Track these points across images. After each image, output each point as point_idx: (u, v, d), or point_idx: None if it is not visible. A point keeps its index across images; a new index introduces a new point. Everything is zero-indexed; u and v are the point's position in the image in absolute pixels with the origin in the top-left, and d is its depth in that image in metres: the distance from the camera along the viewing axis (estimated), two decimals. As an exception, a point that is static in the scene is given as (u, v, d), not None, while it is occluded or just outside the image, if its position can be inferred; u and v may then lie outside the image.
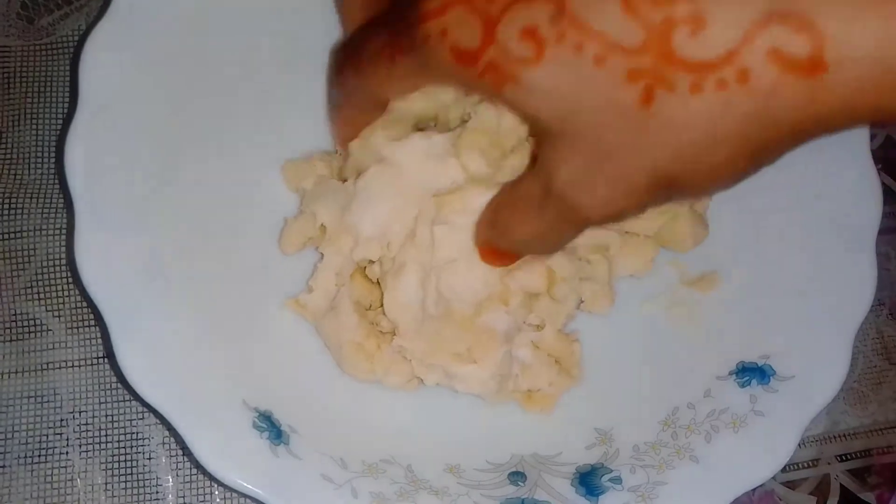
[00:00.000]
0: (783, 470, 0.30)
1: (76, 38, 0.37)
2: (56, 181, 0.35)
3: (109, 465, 0.32)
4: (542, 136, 0.23)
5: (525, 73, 0.21)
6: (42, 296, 0.34)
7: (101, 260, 0.27)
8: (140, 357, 0.26)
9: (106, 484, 0.32)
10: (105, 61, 0.28)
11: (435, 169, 0.28)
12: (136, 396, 0.26)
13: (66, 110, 0.36)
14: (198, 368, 0.27)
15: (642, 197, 0.22)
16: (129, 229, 0.28)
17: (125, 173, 0.28)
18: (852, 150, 0.33)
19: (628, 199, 0.22)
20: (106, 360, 0.33)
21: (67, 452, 0.32)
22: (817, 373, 0.30)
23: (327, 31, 0.32)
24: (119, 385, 0.33)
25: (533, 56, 0.21)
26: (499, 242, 0.27)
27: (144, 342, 0.27)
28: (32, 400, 0.33)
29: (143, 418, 0.33)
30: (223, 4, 0.31)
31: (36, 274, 0.34)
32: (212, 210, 0.30)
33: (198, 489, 0.32)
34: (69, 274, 0.34)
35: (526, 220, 0.25)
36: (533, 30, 0.21)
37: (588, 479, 0.30)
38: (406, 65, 0.24)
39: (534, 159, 0.25)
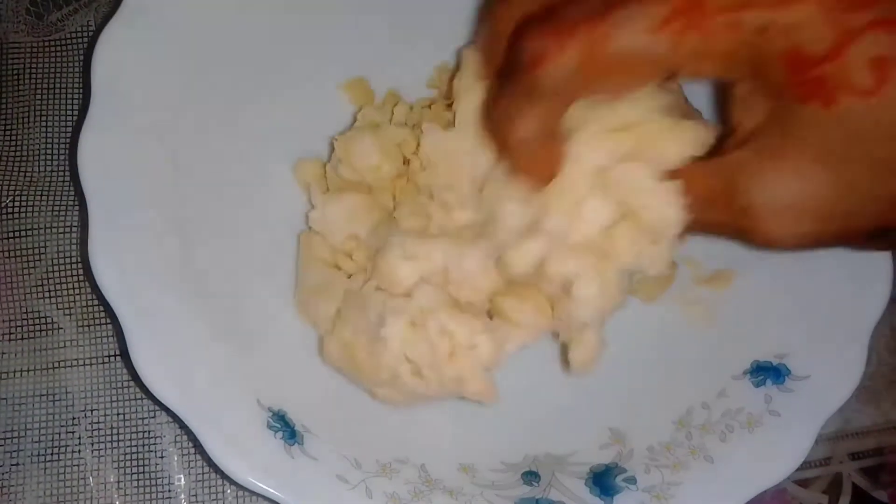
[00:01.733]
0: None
1: (85, 33, 0.36)
2: (66, 178, 0.35)
3: (121, 464, 0.32)
4: (770, 148, 0.22)
5: (850, 101, 0.20)
6: (53, 293, 0.34)
7: (114, 259, 0.27)
8: (154, 356, 0.26)
9: (118, 482, 0.32)
10: (117, 59, 0.28)
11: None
12: (150, 395, 0.26)
13: (75, 106, 0.36)
14: (212, 368, 0.27)
15: (849, 241, 0.22)
16: (142, 228, 0.28)
17: (138, 172, 0.28)
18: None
19: (828, 240, 0.22)
20: (117, 357, 0.33)
21: (79, 451, 0.32)
22: (833, 373, 0.30)
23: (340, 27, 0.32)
24: (130, 383, 0.33)
25: (870, 88, 0.20)
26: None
27: (158, 341, 0.27)
28: (44, 398, 0.33)
29: (154, 416, 0.33)
30: (233, 12, 0.31)
31: (47, 271, 0.34)
32: (225, 208, 0.30)
33: (210, 487, 0.32)
34: (80, 271, 0.34)
35: (691, 204, 0.24)
36: (883, 61, 0.19)
37: (602, 479, 0.30)
38: (697, 41, 0.21)
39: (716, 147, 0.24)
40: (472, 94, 0.29)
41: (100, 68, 0.28)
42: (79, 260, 0.34)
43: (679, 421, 0.31)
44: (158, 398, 0.26)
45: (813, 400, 0.30)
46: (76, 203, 0.34)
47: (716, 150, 0.24)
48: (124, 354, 0.27)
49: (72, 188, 0.35)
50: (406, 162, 0.32)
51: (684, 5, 0.21)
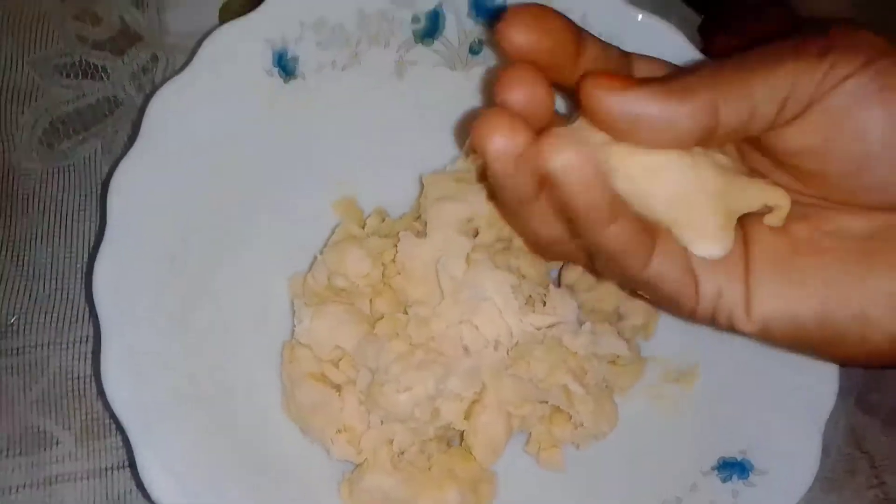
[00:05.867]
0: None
1: (93, 161, 0.39)
2: (69, 297, 0.37)
3: (116, 577, 0.33)
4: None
5: None
6: (53, 408, 0.35)
7: (124, 375, 0.28)
8: (161, 471, 0.28)
9: None
10: (131, 188, 0.31)
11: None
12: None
13: (79, 229, 0.38)
14: (214, 479, 0.29)
15: None
16: (150, 347, 0.29)
17: (148, 295, 0.30)
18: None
19: None
20: (115, 471, 0.34)
21: (75, 564, 0.33)
22: (791, 467, 0.32)
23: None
24: (127, 496, 0.34)
25: None
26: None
27: (165, 457, 0.28)
28: (41, 513, 0.33)
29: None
30: (237, 141, 0.34)
31: (48, 386, 0.35)
32: (228, 324, 0.33)
33: None
34: (81, 386, 0.35)
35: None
36: None
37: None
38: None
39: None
40: (436, 210, 0.34)
41: (114, 200, 0.30)
42: (79, 375, 0.35)
43: (655, 515, 0.33)
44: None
45: (776, 493, 0.32)
46: (78, 320, 0.36)
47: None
48: (133, 466, 0.29)
49: (73, 307, 0.37)
50: (384, 269, 0.35)
51: None
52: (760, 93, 0.22)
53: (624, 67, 0.25)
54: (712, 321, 0.25)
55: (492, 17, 0.36)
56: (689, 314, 0.25)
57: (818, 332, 0.24)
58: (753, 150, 0.25)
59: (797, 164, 0.24)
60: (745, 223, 0.25)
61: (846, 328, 0.24)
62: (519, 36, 0.22)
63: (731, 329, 0.25)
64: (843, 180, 0.23)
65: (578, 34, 0.23)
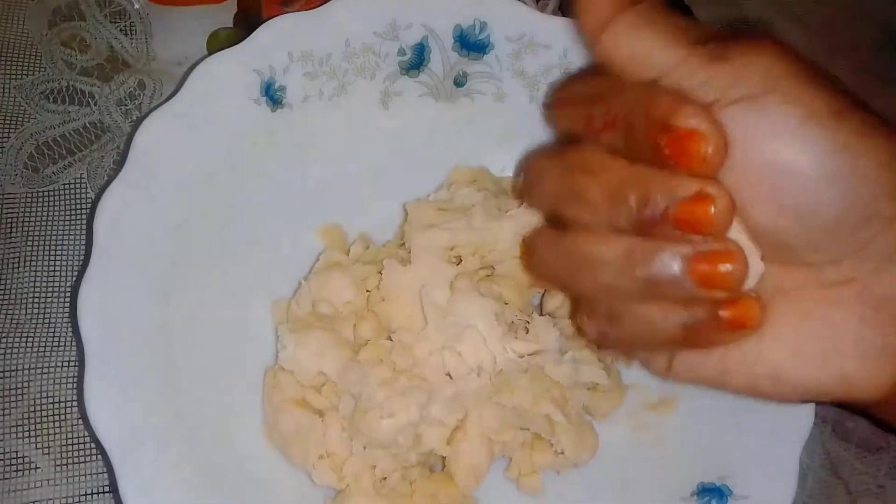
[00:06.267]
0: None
1: (77, 185, 0.39)
2: (50, 322, 0.37)
3: None
4: None
5: None
6: (32, 433, 0.35)
7: (108, 402, 0.28)
8: (139, 492, 0.28)
9: None
10: (116, 214, 0.31)
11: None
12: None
13: (61, 254, 0.38)
14: (193, 501, 0.29)
15: None
16: (134, 372, 0.30)
17: (132, 321, 0.30)
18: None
19: None
20: (93, 497, 0.34)
21: (50, 593, 0.32)
22: (769, 491, 0.33)
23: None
24: (105, 523, 0.33)
25: None
26: None
27: (146, 482, 0.28)
28: (16, 541, 0.33)
29: (127, 556, 0.33)
30: (223, 168, 0.34)
31: (27, 411, 0.35)
32: (210, 349, 0.33)
33: None
34: (60, 411, 0.35)
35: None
36: None
37: None
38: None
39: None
40: (420, 238, 0.34)
41: (101, 222, 0.30)
42: (60, 400, 0.35)
43: (636, 541, 0.33)
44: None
45: (755, 518, 0.32)
46: (59, 345, 0.36)
47: None
48: (114, 491, 0.28)
49: (55, 331, 0.36)
50: (368, 296, 0.35)
51: None
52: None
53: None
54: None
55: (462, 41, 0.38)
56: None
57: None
58: None
59: None
60: None
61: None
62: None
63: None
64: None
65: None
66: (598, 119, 0.24)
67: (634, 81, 0.23)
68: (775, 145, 0.21)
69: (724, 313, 0.23)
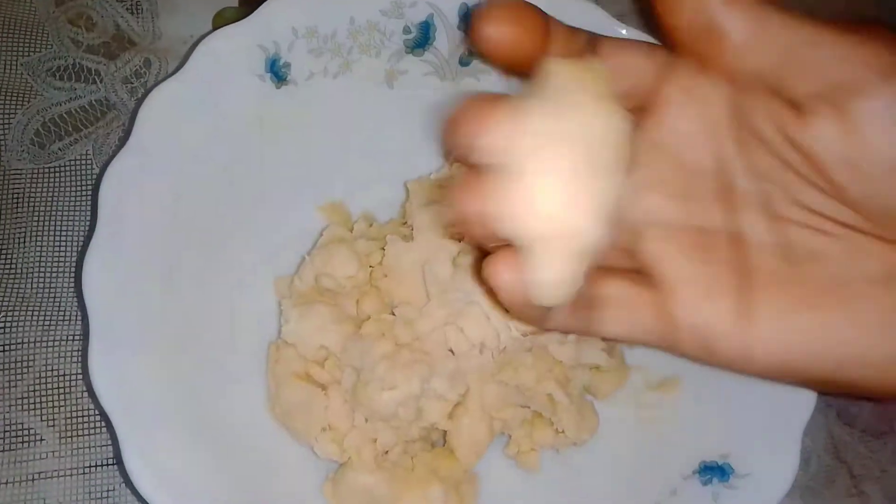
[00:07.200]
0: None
1: (82, 161, 0.40)
2: (55, 296, 0.37)
3: (96, 575, 0.33)
4: None
5: None
6: (37, 405, 0.35)
7: (110, 368, 0.29)
8: (145, 463, 0.28)
9: None
10: (120, 188, 0.31)
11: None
12: (140, 498, 0.28)
13: (66, 229, 0.38)
14: (199, 475, 0.29)
15: None
16: (139, 344, 0.30)
17: (136, 293, 0.30)
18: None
19: None
20: (97, 468, 0.34)
21: (54, 563, 0.33)
22: (771, 469, 0.33)
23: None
24: (109, 494, 0.34)
25: None
26: None
27: (151, 452, 0.28)
28: (22, 510, 0.33)
29: (132, 528, 0.33)
30: (226, 144, 0.34)
31: (33, 384, 0.35)
32: (211, 321, 0.33)
33: None
34: (65, 384, 0.35)
35: None
36: None
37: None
38: None
39: None
40: (422, 215, 0.35)
41: (104, 199, 0.30)
42: (64, 373, 0.35)
43: (636, 519, 0.33)
44: (147, 500, 0.27)
45: (756, 495, 0.32)
46: (64, 319, 0.36)
47: None
48: (119, 461, 0.29)
49: (60, 306, 0.37)
50: (371, 272, 0.35)
51: None
52: None
53: (591, 52, 0.24)
54: None
55: (467, 19, 0.37)
56: None
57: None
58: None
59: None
60: None
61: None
62: (494, 30, 0.21)
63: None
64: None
65: (547, 22, 0.23)
66: None
67: None
68: None
69: None
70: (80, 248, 0.38)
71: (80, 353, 0.36)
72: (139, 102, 0.33)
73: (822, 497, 0.39)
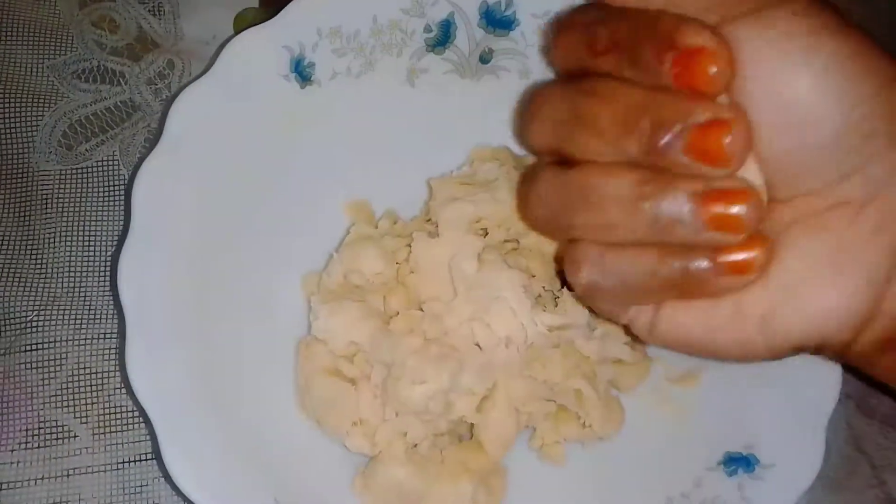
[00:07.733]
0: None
1: (110, 162, 0.40)
2: (86, 294, 0.37)
3: (133, 568, 0.33)
4: None
5: None
6: (70, 402, 0.35)
7: (149, 370, 0.29)
8: (183, 459, 0.28)
9: (129, 588, 0.33)
10: (153, 187, 0.32)
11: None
12: (180, 494, 0.28)
13: (95, 228, 0.39)
14: (234, 469, 0.29)
15: None
16: (173, 341, 0.30)
17: (169, 291, 0.31)
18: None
19: None
20: (131, 464, 0.34)
21: (92, 556, 0.33)
22: (795, 461, 0.33)
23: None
24: (143, 489, 0.34)
25: None
26: None
27: (187, 447, 0.29)
28: (58, 506, 0.34)
29: (165, 522, 0.34)
30: (254, 144, 0.35)
31: (65, 382, 0.36)
32: (244, 322, 0.33)
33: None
34: (97, 381, 0.36)
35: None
36: None
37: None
38: None
39: None
40: (446, 211, 0.35)
41: (139, 194, 0.31)
42: (96, 371, 0.36)
43: (661, 509, 0.33)
44: (189, 497, 0.28)
45: (781, 486, 0.33)
46: (95, 318, 0.37)
47: None
48: (158, 457, 0.29)
49: (91, 304, 0.37)
50: (398, 268, 0.36)
51: None
52: None
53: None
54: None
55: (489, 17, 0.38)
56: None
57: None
58: None
59: None
60: None
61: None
62: (721, 71, 0.21)
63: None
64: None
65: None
66: (601, 42, 0.22)
67: (638, 7, 0.22)
68: (782, 56, 0.20)
69: (730, 258, 0.21)
70: (109, 248, 0.38)
71: (111, 350, 0.36)
72: (169, 102, 0.33)
73: (843, 488, 0.40)
